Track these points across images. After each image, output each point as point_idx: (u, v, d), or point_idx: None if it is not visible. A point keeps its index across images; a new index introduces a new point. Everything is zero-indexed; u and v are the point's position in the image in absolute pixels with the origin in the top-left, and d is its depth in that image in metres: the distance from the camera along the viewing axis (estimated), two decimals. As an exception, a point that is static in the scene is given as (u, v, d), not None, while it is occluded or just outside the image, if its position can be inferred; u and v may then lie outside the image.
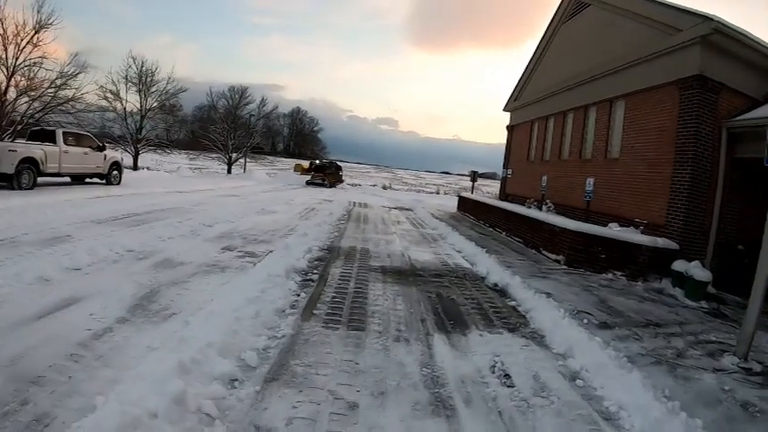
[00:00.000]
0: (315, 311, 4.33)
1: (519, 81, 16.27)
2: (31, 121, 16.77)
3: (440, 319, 4.55)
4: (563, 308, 4.96)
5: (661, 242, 7.63)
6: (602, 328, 4.51)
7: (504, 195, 17.07)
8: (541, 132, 14.17)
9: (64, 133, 12.77)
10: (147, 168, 26.31)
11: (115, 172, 14.81)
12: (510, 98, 17.07)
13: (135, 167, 25.30)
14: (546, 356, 3.82)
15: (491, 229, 12.73)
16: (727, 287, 7.16)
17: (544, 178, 11.77)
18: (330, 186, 28.46)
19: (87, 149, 13.45)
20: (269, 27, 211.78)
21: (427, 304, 5.00)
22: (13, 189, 10.57)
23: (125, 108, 24.66)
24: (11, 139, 14.05)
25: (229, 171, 31.92)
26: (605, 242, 7.79)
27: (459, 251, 8.81)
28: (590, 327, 4.48)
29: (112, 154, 15.11)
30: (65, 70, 17.30)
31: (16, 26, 15.83)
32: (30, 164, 11.16)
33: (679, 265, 6.95)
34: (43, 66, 16.71)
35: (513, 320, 4.74)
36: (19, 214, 7.62)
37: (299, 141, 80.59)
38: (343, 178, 32.16)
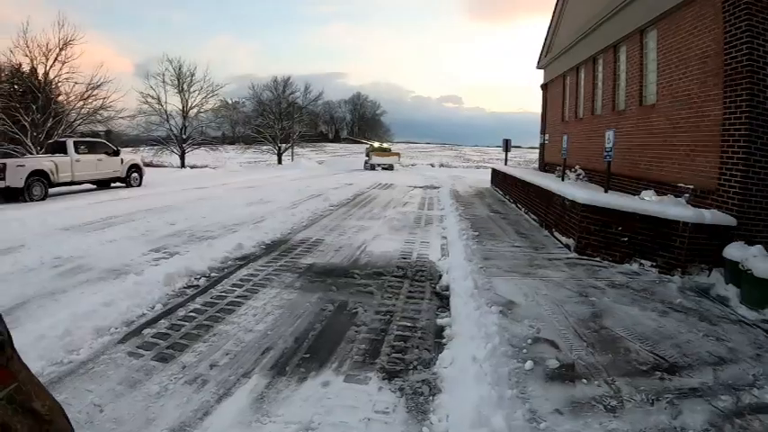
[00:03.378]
0: (146, 330, 3.48)
1: (548, 30, 13.66)
2: (68, 132, 17.83)
3: (296, 348, 3.23)
4: (508, 334, 3.16)
5: (709, 216, 5.30)
6: (556, 381, 2.54)
7: (542, 165, 14.74)
8: (573, 86, 11.70)
9: (75, 143, 13.14)
10: (193, 167, 26.96)
11: (135, 174, 15.18)
12: (541, 53, 14.49)
13: (182, 166, 26.16)
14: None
15: (513, 206, 10.77)
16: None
17: (564, 138, 9.50)
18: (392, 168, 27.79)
19: (102, 156, 13.78)
20: (327, 15, 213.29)
21: (304, 322, 3.70)
22: (25, 201, 10.89)
23: (166, 110, 25.45)
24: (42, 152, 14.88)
25: (279, 161, 31.93)
26: (627, 219, 5.68)
27: (444, 237, 7.27)
28: (531, 380, 2.55)
29: (130, 157, 15.61)
30: (91, 82, 18.22)
31: (39, 47, 16.80)
32: (40, 176, 11.53)
33: (734, 251, 4.60)
34: (75, 81, 17.74)
35: (415, 356, 3.15)
36: (-1, 226, 7.61)
37: (362, 126, 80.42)
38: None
